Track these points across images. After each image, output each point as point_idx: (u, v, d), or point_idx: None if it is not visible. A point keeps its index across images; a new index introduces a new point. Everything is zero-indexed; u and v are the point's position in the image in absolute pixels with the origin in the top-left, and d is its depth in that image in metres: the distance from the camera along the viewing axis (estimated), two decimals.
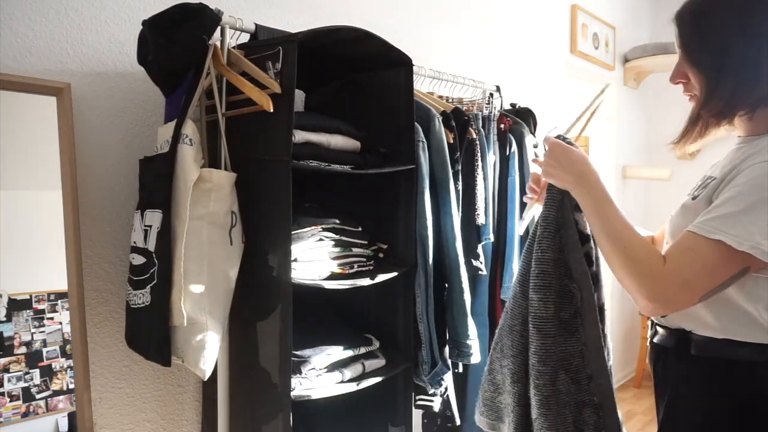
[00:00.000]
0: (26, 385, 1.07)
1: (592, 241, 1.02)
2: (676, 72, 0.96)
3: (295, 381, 1.06)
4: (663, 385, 1.02)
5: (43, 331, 1.09)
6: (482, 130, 1.57)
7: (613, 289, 3.40)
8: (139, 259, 1.03)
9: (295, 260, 1.07)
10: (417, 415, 1.46)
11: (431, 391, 1.38)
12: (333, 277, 1.16)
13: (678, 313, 0.95)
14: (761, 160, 0.83)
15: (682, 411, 0.96)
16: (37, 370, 1.08)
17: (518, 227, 1.61)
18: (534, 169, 1.71)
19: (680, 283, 0.83)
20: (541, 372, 0.99)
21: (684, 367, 0.96)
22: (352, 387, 1.16)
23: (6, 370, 1.04)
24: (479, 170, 1.51)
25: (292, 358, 1.04)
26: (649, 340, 1.08)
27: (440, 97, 1.67)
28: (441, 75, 1.63)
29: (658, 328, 1.03)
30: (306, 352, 1.14)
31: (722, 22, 0.89)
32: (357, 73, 1.39)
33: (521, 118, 1.78)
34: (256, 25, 1.19)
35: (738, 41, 0.87)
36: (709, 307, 0.91)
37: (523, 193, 1.68)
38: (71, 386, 1.12)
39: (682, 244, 0.85)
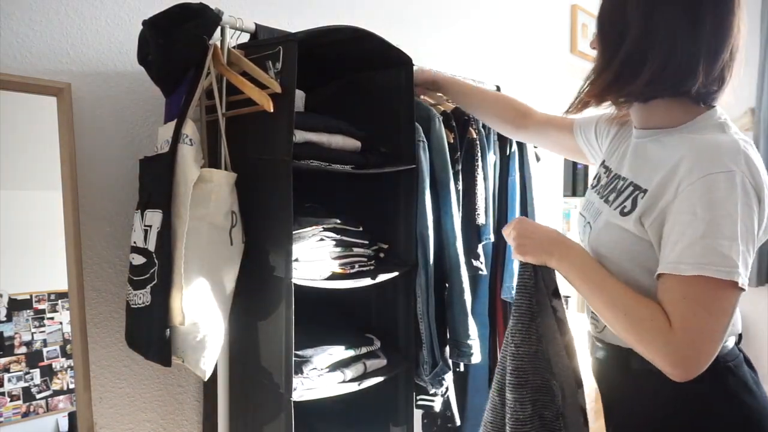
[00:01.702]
0: (26, 384, 1.07)
1: (571, 333, 0.93)
2: (592, 41, 0.95)
3: (296, 381, 1.06)
4: (609, 405, 0.99)
5: (44, 331, 1.09)
6: (482, 129, 1.57)
7: None
8: (139, 259, 1.03)
9: (297, 260, 1.07)
10: (417, 415, 1.46)
11: (432, 391, 1.38)
12: (334, 277, 1.16)
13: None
14: (701, 175, 0.77)
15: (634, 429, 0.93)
16: (38, 370, 1.08)
17: None
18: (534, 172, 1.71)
19: (696, 338, 0.75)
20: None
21: (627, 385, 0.93)
22: (354, 387, 1.16)
23: (6, 369, 1.04)
24: (479, 170, 1.51)
25: (294, 358, 1.04)
26: (591, 354, 1.04)
27: (441, 96, 1.67)
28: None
29: (597, 343, 1.00)
30: (307, 352, 1.14)
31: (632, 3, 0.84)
32: (357, 72, 1.38)
33: None
34: (257, 24, 1.19)
35: (636, 26, 0.84)
36: None
37: (523, 193, 1.69)
38: (71, 386, 1.11)
39: (671, 294, 0.78)
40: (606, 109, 0.97)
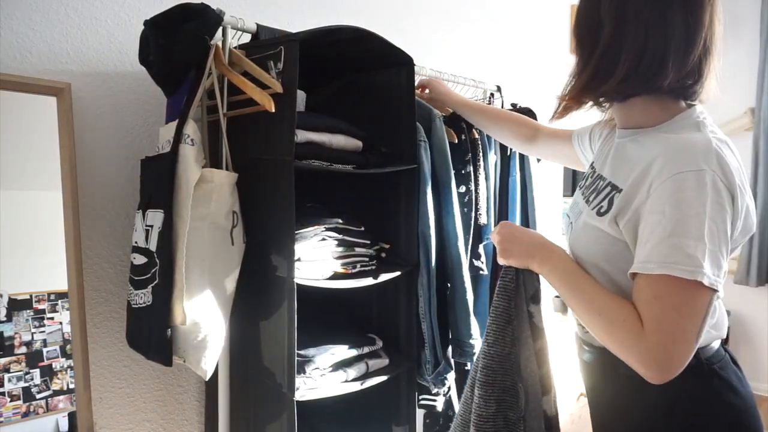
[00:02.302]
0: (26, 385, 1.06)
1: (545, 338, 0.93)
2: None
3: (299, 380, 1.06)
4: (596, 408, 0.98)
5: (44, 331, 1.09)
6: None
7: None
8: (140, 259, 1.02)
9: (299, 260, 1.07)
10: (419, 415, 1.46)
11: (434, 391, 1.38)
12: (336, 276, 1.16)
13: None
14: (670, 174, 0.76)
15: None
16: (38, 370, 1.08)
17: None
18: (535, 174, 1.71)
19: (667, 340, 0.73)
20: None
21: (614, 389, 0.92)
22: (356, 386, 1.16)
23: (6, 370, 1.04)
24: (481, 170, 1.51)
25: (296, 358, 1.04)
26: (578, 356, 1.03)
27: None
28: (442, 75, 1.63)
29: (584, 346, 0.99)
30: (310, 352, 1.14)
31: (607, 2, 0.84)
32: (358, 72, 1.38)
33: None
34: (258, 25, 1.19)
35: (609, 24, 0.83)
36: None
37: (524, 193, 1.69)
38: (71, 386, 1.11)
39: (643, 294, 0.76)
40: (587, 111, 0.97)
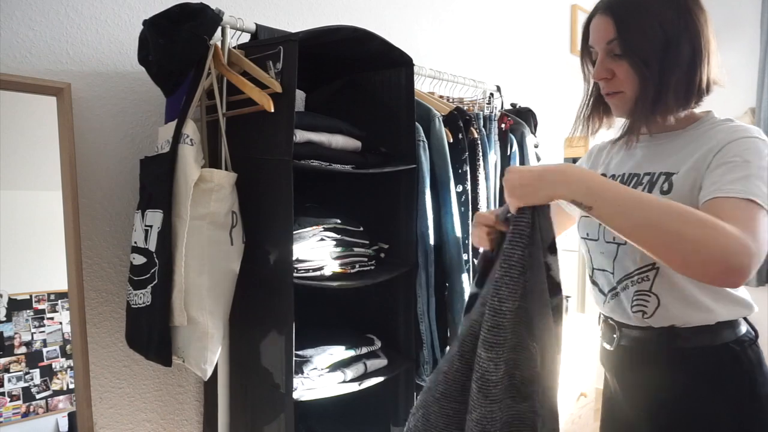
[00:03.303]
0: (26, 385, 1.06)
1: (562, 294, 0.84)
2: (600, 69, 0.92)
3: (297, 381, 1.06)
4: (636, 391, 0.98)
5: (43, 331, 1.09)
6: (483, 129, 1.57)
7: None
8: (139, 259, 1.03)
9: (297, 260, 1.07)
10: None
11: None
12: (335, 276, 1.16)
13: (676, 306, 0.91)
14: (738, 137, 0.83)
15: (690, 412, 0.92)
16: (37, 370, 1.08)
17: None
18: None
19: (755, 240, 0.71)
20: None
21: (673, 367, 0.93)
22: (354, 387, 1.16)
23: (6, 370, 1.04)
24: (481, 170, 1.51)
25: (294, 358, 1.04)
26: (607, 344, 1.03)
27: (441, 97, 1.67)
28: (441, 75, 1.63)
29: (626, 330, 0.99)
30: (308, 352, 1.14)
31: (663, 14, 0.87)
32: (357, 72, 1.38)
33: (522, 118, 1.78)
34: (257, 24, 1.19)
35: (681, 35, 0.87)
36: (707, 292, 0.90)
37: None
38: (71, 386, 1.11)
39: (723, 209, 0.75)
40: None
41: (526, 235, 0.80)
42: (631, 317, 0.97)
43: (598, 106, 1.03)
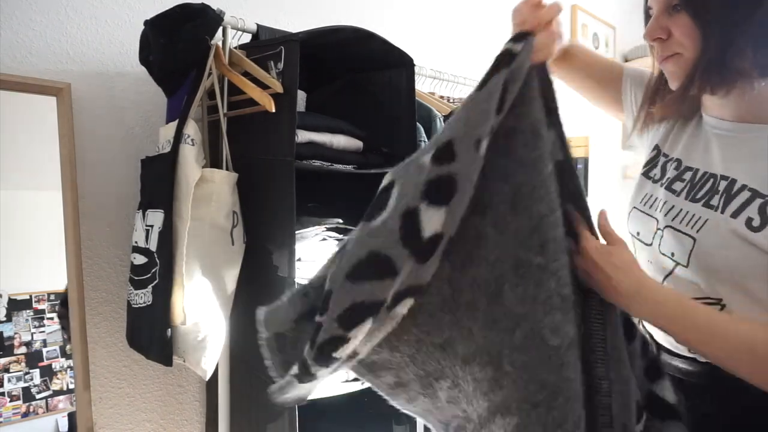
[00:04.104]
0: (26, 385, 1.06)
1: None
2: (655, 27, 0.76)
3: None
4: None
5: (43, 331, 1.09)
6: None
7: None
8: (140, 259, 1.03)
9: (299, 260, 1.07)
10: None
11: None
12: None
13: None
14: None
15: None
16: (37, 370, 1.08)
17: None
18: None
19: None
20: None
21: (715, 403, 0.78)
22: (357, 386, 1.16)
23: (6, 370, 1.04)
24: None
25: None
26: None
27: (441, 97, 1.67)
28: (442, 75, 1.63)
29: (668, 356, 0.84)
30: None
31: None
32: (358, 73, 1.38)
33: None
34: (258, 25, 1.19)
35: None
36: None
37: None
38: (71, 386, 1.11)
39: None
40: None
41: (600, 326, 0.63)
42: (677, 345, 0.83)
43: (657, 94, 0.86)
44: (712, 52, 0.72)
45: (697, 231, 0.77)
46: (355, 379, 1.18)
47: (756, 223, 0.71)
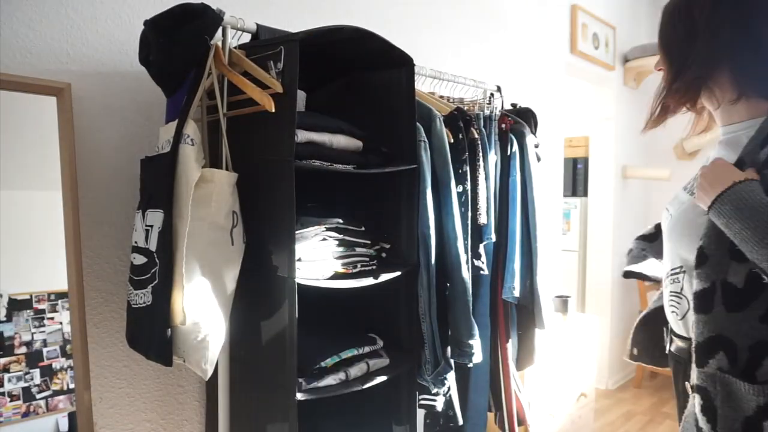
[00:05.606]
0: (26, 384, 1.06)
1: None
2: (659, 60, 0.98)
3: (299, 380, 1.06)
4: (683, 401, 0.94)
5: (43, 331, 1.09)
6: (483, 129, 1.57)
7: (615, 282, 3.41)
8: (140, 259, 1.02)
9: (299, 260, 1.07)
10: (419, 415, 1.46)
11: (434, 391, 1.38)
12: (336, 276, 1.16)
13: None
14: None
15: None
16: (38, 370, 1.08)
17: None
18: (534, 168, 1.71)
19: None
20: None
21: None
22: (357, 386, 1.16)
23: (6, 370, 1.04)
24: (481, 170, 1.51)
25: (297, 358, 1.04)
26: (667, 348, 1.01)
27: (441, 97, 1.67)
28: (442, 75, 1.63)
29: (675, 338, 0.96)
30: (310, 352, 1.14)
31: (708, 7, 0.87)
32: (358, 72, 1.38)
33: (522, 118, 1.78)
34: (258, 25, 1.19)
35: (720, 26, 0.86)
36: None
37: (524, 192, 1.68)
38: (71, 386, 1.11)
39: None
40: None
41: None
42: (672, 320, 0.96)
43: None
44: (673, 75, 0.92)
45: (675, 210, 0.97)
46: (356, 379, 1.18)
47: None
